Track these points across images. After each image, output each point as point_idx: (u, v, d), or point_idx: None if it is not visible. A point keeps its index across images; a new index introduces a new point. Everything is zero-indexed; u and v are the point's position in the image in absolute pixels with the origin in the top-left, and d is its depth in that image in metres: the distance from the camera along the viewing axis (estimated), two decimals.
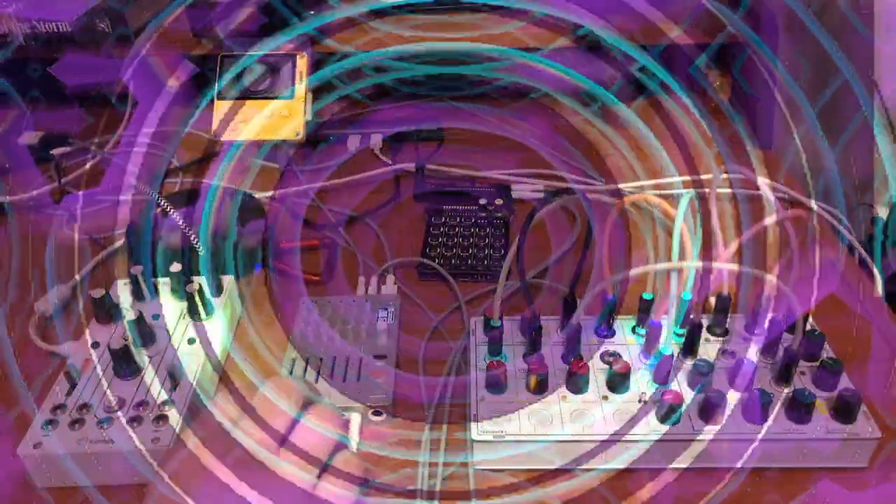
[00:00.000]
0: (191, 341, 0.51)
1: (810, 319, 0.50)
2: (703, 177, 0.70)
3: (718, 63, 0.84)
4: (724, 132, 0.80)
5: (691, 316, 0.48)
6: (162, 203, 0.60)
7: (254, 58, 0.77)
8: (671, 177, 0.71)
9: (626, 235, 0.62)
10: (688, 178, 0.71)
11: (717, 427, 0.44)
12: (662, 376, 0.46)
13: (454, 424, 0.48)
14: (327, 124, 0.82)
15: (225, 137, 0.77)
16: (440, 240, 0.65)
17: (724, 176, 0.70)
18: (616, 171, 0.73)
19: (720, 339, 0.50)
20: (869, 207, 0.80)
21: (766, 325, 0.50)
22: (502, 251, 0.63)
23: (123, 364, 0.48)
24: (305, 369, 0.50)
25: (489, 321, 0.50)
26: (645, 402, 0.46)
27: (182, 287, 0.54)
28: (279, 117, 0.76)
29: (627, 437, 0.44)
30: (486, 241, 0.64)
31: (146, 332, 0.51)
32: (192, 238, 0.57)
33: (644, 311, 0.50)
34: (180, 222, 0.58)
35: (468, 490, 0.44)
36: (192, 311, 0.53)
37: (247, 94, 0.77)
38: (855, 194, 0.79)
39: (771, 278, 0.46)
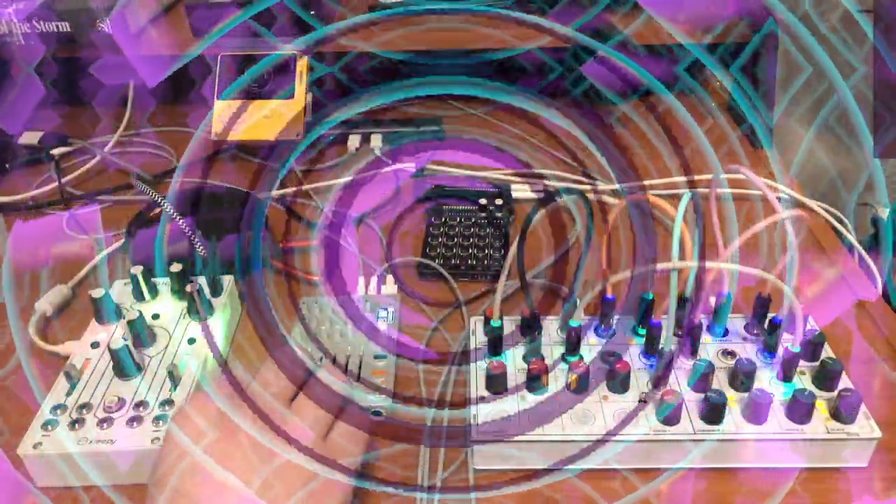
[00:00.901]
0: (191, 341, 0.51)
1: (810, 319, 0.50)
2: (703, 177, 0.70)
3: (719, 63, 0.85)
4: (724, 131, 0.80)
5: (691, 316, 0.48)
6: (162, 203, 0.60)
7: (253, 57, 0.77)
8: (671, 177, 0.71)
9: (627, 235, 0.62)
10: (688, 178, 0.71)
11: (717, 427, 0.44)
12: (662, 376, 0.46)
13: (454, 424, 0.48)
14: (327, 124, 0.82)
15: (224, 137, 0.77)
16: (440, 240, 0.65)
17: (725, 175, 0.70)
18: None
19: (720, 339, 0.50)
20: (869, 207, 0.80)
21: (766, 325, 0.50)
22: (502, 251, 0.63)
23: (123, 364, 0.48)
24: None
25: (489, 321, 0.50)
26: (645, 402, 0.46)
27: (182, 287, 0.54)
28: (279, 117, 0.76)
29: (627, 437, 0.44)
30: (486, 241, 0.64)
31: (146, 332, 0.51)
32: (192, 238, 0.58)
33: (644, 311, 0.50)
34: (181, 223, 0.58)
35: (468, 489, 0.44)
36: (192, 311, 0.53)
37: (247, 94, 0.77)
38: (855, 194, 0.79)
39: (771, 278, 0.45)
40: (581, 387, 0.46)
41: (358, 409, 0.45)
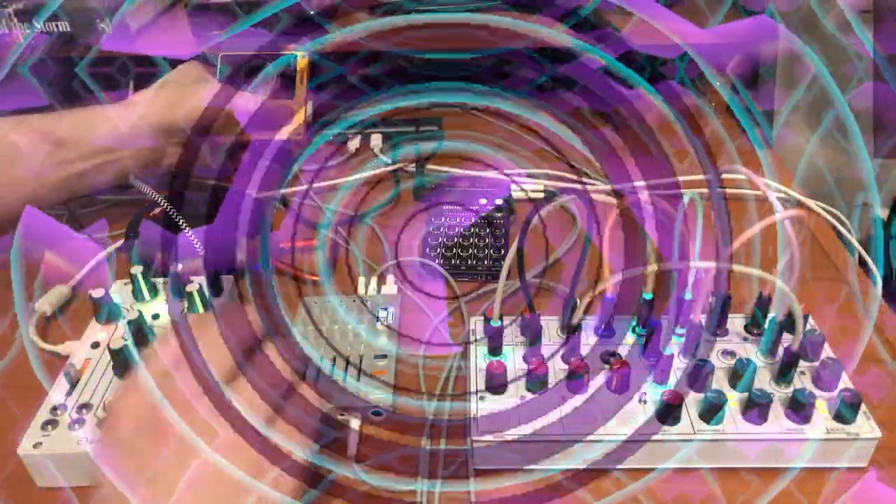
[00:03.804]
0: None
1: (810, 319, 0.50)
2: (703, 177, 0.70)
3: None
4: (723, 132, 0.80)
5: (691, 316, 0.48)
6: (162, 203, 0.60)
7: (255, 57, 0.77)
8: (671, 177, 0.71)
9: (627, 235, 0.62)
10: (688, 178, 0.71)
11: (717, 427, 0.44)
12: (662, 376, 0.46)
13: (454, 424, 0.48)
14: (327, 124, 0.82)
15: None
16: (440, 240, 0.65)
17: (725, 176, 0.70)
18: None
19: (720, 339, 0.50)
20: (869, 207, 0.80)
21: (766, 325, 0.50)
22: (502, 251, 0.63)
23: (123, 364, 0.48)
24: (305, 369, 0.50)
25: (489, 321, 0.50)
26: (645, 402, 0.46)
27: (182, 287, 0.53)
28: None
29: (627, 437, 0.44)
30: (486, 241, 0.64)
31: (146, 332, 0.51)
32: (192, 238, 0.58)
33: (644, 311, 0.50)
34: (181, 224, 0.58)
35: (468, 490, 0.44)
36: (192, 311, 0.53)
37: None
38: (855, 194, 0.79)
39: (771, 278, 0.46)
40: (581, 387, 0.46)
41: (304, 399, 0.41)
